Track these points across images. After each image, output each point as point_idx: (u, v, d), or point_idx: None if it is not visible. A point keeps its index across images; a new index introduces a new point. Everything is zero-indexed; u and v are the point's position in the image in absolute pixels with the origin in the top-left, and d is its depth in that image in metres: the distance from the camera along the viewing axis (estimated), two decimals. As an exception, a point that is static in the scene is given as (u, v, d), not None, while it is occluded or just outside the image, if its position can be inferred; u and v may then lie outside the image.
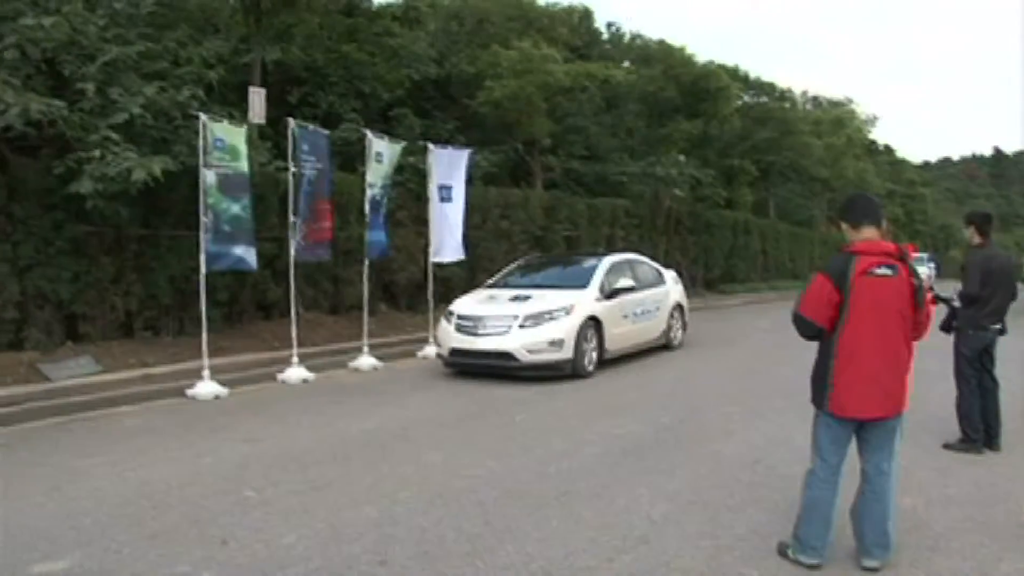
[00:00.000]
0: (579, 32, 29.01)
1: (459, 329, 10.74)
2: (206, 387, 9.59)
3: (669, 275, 13.85)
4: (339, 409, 8.99)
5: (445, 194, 13.14)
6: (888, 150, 67.41)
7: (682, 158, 25.10)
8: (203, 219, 9.72)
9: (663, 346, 13.15)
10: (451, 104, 21.72)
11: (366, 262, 12.12)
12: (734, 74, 31.78)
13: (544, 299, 10.77)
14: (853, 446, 4.48)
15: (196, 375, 9.75)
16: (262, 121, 12.56)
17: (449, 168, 13.30)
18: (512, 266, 13.37)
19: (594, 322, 10.87)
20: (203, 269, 9.77)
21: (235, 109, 12.57)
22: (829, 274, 4.32)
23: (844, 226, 4.50)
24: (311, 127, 11.72)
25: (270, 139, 12.85)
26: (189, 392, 9.55)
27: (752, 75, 35.61)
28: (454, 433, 7.78)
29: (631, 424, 8.02)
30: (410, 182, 14.55)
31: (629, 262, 12.78)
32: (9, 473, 6.54)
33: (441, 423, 8.18)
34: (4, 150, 10.16)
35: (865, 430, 4.40)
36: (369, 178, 11.93)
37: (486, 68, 20.47)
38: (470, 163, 14.15)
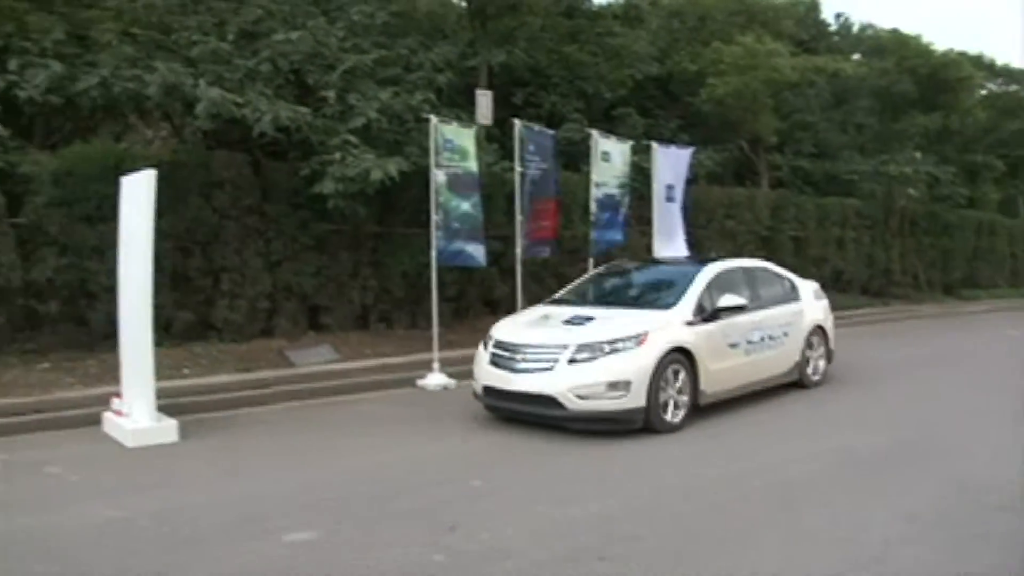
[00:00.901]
0: (805, 25, 27.77)
1: (494, 361, 8.00)
2: (435, 378, 9.94)
3: (807, 288, 10.49)
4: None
5: (670, 193, 12.96)
6: None
7: (918, 155, 23.48)
8: (434, 217, 10.08)
9: (795, 383, 9.73)
10: (673, 102, 21.42)
11: (590, 260, 12.14)
12: (978, 62, 29.23)
13: (609, 323, 7.91)
14: None
15: (426, 367, 10.11)
16: (488, 122, 12.87)
17: (673, 167, 13.13)
18: (587, 275, 10.42)
19: (682, 355, 7.85)
20: (434, 265, 10.14)
21: (462, 111, 12.97)
22: None
23: None
24: (537, 127, 11.91)
25: (496, 140, 13.16)
26: (419, 383, 9.93)
27: (999, 62, 32.73)
28: (677, 432, 7.61)
29: (859, 434, 7.55)
30: (635, 181, 14.49)
31: (746, 271, 9.61)
32: (262, 450, 7.09)
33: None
34: (258, 154, 11.06)
35: None
36: (596, 177, 11.97)
37: (708, 65, 20.00)
38: (692, 161, 13.94)
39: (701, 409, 8.07)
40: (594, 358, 7.44)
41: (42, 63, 9.79)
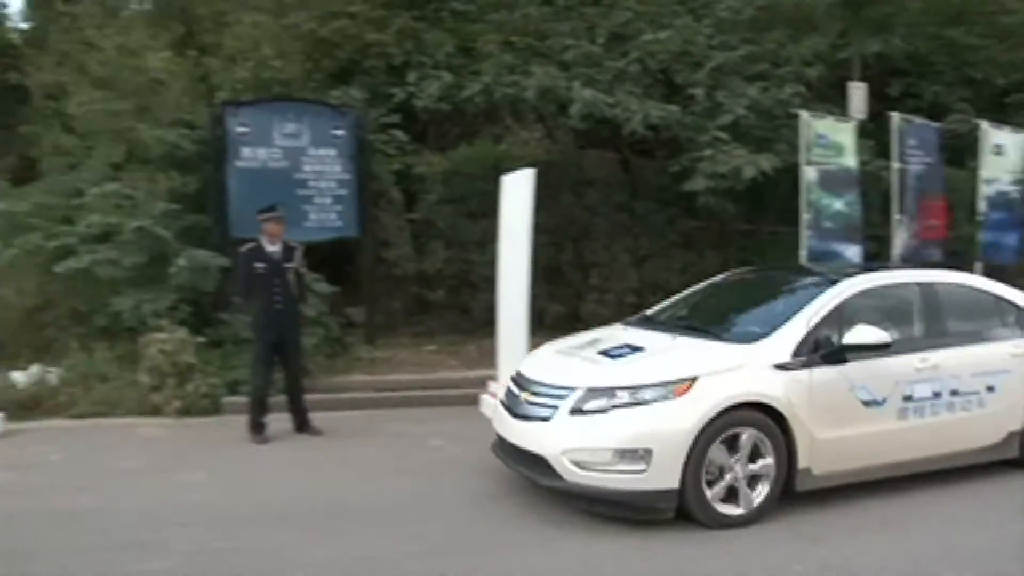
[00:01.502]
0: None
1: (504, 401, 5.99)
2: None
3: None
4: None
5: (1076, 190, 11.53)
6: None
7: None
8: (804, 215, 9.75)
9: (1013, 462, 6.22)
10: (1081, 85, 18.91)
11: (978, 264, 11.11)
12: None
13: (653, 358, 5.49)
14: None
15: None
16: (862, 116, 12.22)
17: (1080, 159, 11.65)
18: (700, 285, 7.45)
19: (763, 414, 5.20)
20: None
21: (832, 105, 12.40)
22: None
23: None
24: (918, 120, 11.13)
25: (871, 135, 12.46)
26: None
27: None
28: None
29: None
30: (1030, 177, 13.05)
31: (924, 289, 6.19)
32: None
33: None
34: (627, 153, 11.35)
35: None
36: (986, 173, 10.95)
37: None
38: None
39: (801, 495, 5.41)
40: (604, 410, 5.10)
41: (435, 74, 10.80)
